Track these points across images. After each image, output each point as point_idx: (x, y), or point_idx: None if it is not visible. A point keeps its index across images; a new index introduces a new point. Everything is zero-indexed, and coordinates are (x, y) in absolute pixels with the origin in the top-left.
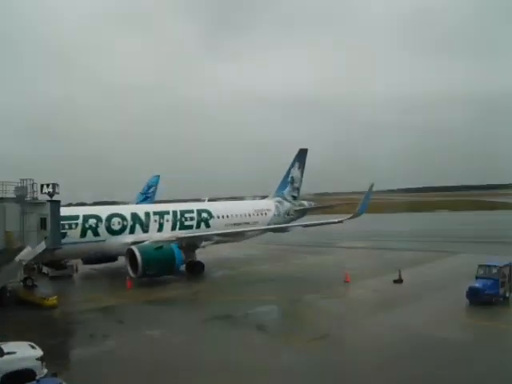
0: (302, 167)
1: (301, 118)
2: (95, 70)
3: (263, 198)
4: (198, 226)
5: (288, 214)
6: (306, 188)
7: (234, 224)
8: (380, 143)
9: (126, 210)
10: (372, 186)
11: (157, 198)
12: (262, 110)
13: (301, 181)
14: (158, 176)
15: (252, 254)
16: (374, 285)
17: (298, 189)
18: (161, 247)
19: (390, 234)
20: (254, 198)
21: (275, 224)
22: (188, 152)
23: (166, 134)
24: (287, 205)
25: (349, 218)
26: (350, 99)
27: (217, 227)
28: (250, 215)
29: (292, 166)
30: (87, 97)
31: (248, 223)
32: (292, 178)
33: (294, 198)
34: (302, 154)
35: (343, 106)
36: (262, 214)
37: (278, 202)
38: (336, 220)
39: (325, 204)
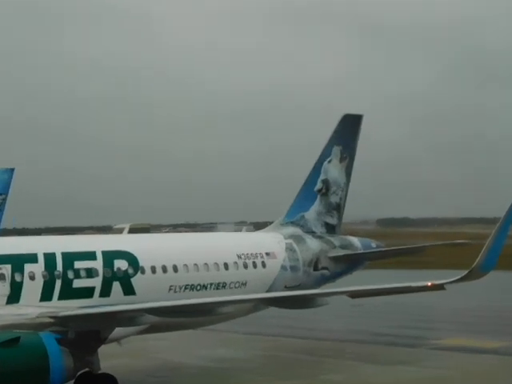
0: (348, 157)
1: (338, 47)
2: None
3: (257, 228)
4: (106, 293)
5: (316, 267)
6: (359, 207)
7: (190, 287)
8: None
9: None
10: None
11: (5, 223)
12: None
13: (346, 189)
14: (12, 171)
15: (230, 357)
16: None
17: (338, 207)
18: (15, 340)
19: None
20: (236, 227)
21: (286, 287)
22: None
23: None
24: (314, 245)
25: (458, 280)
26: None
27: (149, 294)
28: (227, 267)
29: (326, 154)
30: None
31: (223, 285)
32: (325, 181)
33: (331, 228)
34: (348, 128)
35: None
36: (255, 265)
37: (293, 237)
38: (428, 283)
39: (400, 244)
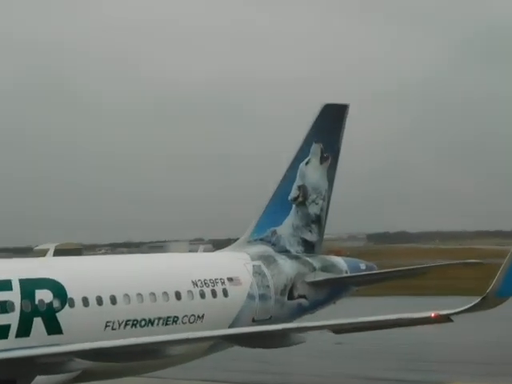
0: (331, 157)
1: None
2: None
3: (217, 247)
4: (25, 332)
5: (291, 295)
6: (346, 220)
7: (132, 323)
8: None
9: None
10: None
11: None
12: None
13: (328, 197)
14: None
15: None
16: None
17: (318, 220)
18: None
19: None
20: (191, 246)
21: (254, 321)
22: None
23: None
24: (288, 267)
25: (468, 310)
26: None
27: (80, 333)
28: (179, 297)
29: (303, 153)
30: None
31: (175, 320)
32: (302, 188)
33: (309, 246)
34: (330, 121)
35: None
36: (214, 294)
37: (263, 258)
38: (431, 314)
39: (396, 264)
